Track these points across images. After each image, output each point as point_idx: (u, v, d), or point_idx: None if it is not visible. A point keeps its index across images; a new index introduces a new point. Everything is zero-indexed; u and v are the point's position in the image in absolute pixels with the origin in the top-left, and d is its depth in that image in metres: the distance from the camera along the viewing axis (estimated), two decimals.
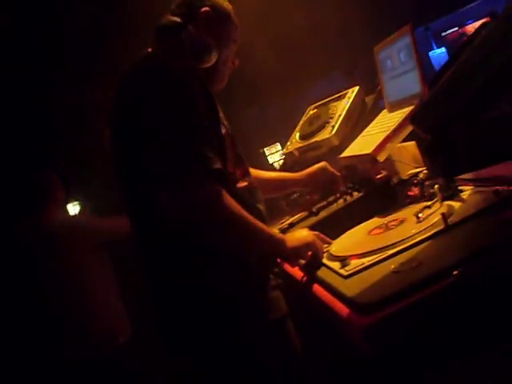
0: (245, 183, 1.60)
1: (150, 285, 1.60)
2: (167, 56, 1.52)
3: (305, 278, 1.61)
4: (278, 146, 7.86)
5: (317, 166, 2.03)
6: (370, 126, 2.11)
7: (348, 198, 1.88)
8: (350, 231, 1.69)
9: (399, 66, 1.92)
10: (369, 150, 1.77)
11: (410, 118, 1.22)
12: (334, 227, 1.75)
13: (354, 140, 2.25)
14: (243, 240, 1.49)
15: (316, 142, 2.43)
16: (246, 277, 1.52)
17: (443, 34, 6.48)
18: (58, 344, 2.68)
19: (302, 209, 2.36)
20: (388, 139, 1.76)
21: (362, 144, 1.97)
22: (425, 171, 1.93)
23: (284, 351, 1.53)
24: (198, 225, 1.42)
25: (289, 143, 2.65)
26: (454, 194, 1.60)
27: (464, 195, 1.59)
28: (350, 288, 1.26)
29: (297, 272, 1.69)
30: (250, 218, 1.47)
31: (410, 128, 1.78)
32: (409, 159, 2.18)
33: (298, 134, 2.63)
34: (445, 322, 1.13)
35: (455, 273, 1.13)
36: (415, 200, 1.79)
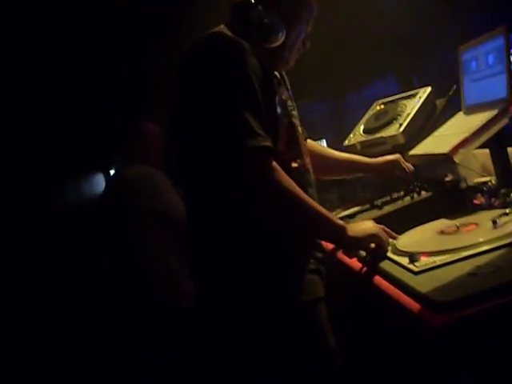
0: (295, 164, 1.58)
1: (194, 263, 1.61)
2: (229, 35, 1.51)
3: (365, 269, 1.58)
4: (324, 143, 7.82)
5: (392, 157, 1.99)
6: (444, 126, 2.05)
7: (415, 196, 1.84)
8: (416, 228, 1.65)
9: (485, 68, 1.87)
10: (445, 150, 1.72)
11: None
12: (398, 224, 1.71)
13: (419, 140, 2.20)
14: (299, 218, 1.47)
15: (382, 137, 2.38)
16: (283, 256, 1.50)
17: None
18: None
19: (355, 204, 2.33)
20: (466, 141, 1.71)
21: (436, 143, 1.92)
22: (493, 181, 1.88)
23: (310, 334, 1.50)
24: (249, 201, 1.43)
25: (352, 135, 2.61)
26: None
27: None
28: (423, 284, 1.23)
29: (354, 263, 1.67)
30: (307, 197, 1.46)
31: (490, 133, 1.72)
32: (477, 167, 2.13)
33: (362, 127, 2.59)
34: None
35: None
36: (481, 208, 1.75)
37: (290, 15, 1.61)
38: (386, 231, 1.60)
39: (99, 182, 4.47)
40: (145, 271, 2.80)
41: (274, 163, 1.42)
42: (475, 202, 1.83)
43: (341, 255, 1.80)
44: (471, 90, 1.98)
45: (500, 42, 1.76)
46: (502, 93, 1.75)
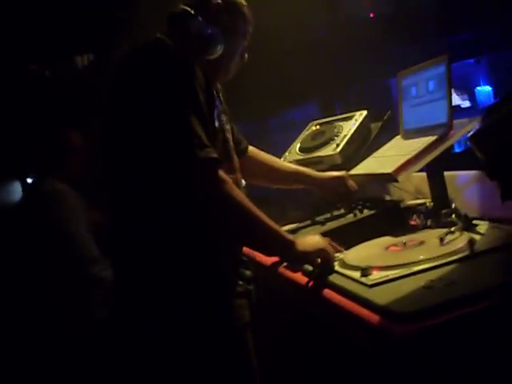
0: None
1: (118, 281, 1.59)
2: (171, 44, 1.51)
3: (311, 283, 1.59)
4: None
5: (337, 173, 2.01)
6: (383, 148, 2.12)
7: (358, 213, 1.87)
8: (362, 244, 1.69)
9: (425, 94, 1.95)
10: (389, 170, 1.77)
11: (470, 137, 1.23)
12: (341, 240, 1.72)
13: (355, 161, 2.26)
14: (248, 231, 1.48)
15: (319, 156, 2.42)
16: (211, 282, 1.49)
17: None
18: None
19: (286, 223, 2.35)
20: (409, 163, 1.77)
21: (378, 164, 1.97)
22: (428, 203, 1.96)
23: (235, 363, 1.50)
24: (198, 212, 1.44)
25: (287, 153, 2.64)
26: (469, 227, 1.62)
27: (480, 229, 1.61)
28: (379, 297, 1.25)
29: (299, 277, 1.67)
30: (256, 210, 1.46)
31: (431, 156, 1.79)
32: (411, 189, 2.21)
33: (298, 146, 2.62)
34: (479, 344, 1.12)
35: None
36: (417, 228, 1.81)
37: (228, 28, 1.62)
38: (332, 245, 1.62)
39: (16, 190, 4.28)
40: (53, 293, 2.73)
41: (224, 174, 1.42)
42: (411, 222, 1.89)
43: (283, 269, 1.80)
44: (410, 115, 2.05)
45: (442, 69, 1.84)
46: (442, 118, 1.83)
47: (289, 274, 1.75)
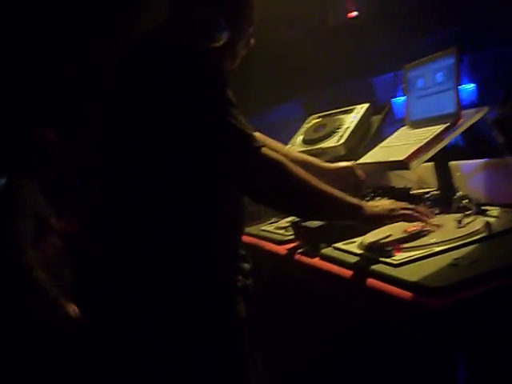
0: None
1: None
2: (179, 33, 1.49)
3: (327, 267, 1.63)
4: None
5: (346, 163, 2.03)
6: (389, 139, 2.17)
7: (371, 200, 1.92)
8: (380, 228, 1.72)
9: (433, 85, 2.01)
10: (401, 157, 1.83)
11: (493, 121, 1.29)
12: (355, 227, 1.77)
13: (358, 153, 2.32)
14: (319, 205, 1.48)
15: (321, 148, 2.47)
16: (212, 279, 1.47)
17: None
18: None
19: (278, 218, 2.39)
20: (420, 150, 1.83)
21: (387, 153, 2.03)
22: (433, 192, 2.02)
23: (231, 361, 1.49)
24: (268, 194, 1.42)
25: (290, 145, 2.68)
26: (482, 211, 1.69)
27: (492, 213, 1.67)
28: (409, 275, 1.30)
29: (316, 262, 1.72)
30: (317, 181, 1.46)
31: (441, 145, 1.85)
32: (415, 179, 2.28)
33: (300, 138, 2.67)
34: (507, 316, 1.18)
35: None
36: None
37: (232, 14, 1.56)
38: (410, 208, 1.60)
39: None
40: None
41: (275, 155, 1.42)
42: None
43: (299, 256, 1.85)
44: (417, 106, 2.11)
45: (451, 60, 1.90)
46: (450, 108, 1.89)
47: (306, 259, 1.80)
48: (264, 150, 1.39)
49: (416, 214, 1.58)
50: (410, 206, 1.61)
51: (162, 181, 1.42)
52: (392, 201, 1.62)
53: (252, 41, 1.69)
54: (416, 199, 1.98)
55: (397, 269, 1.37)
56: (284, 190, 1.42)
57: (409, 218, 1.58)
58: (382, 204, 1.59)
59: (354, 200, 1.53)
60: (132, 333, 1.49)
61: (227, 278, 1.51)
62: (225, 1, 1.57)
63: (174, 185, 1.42)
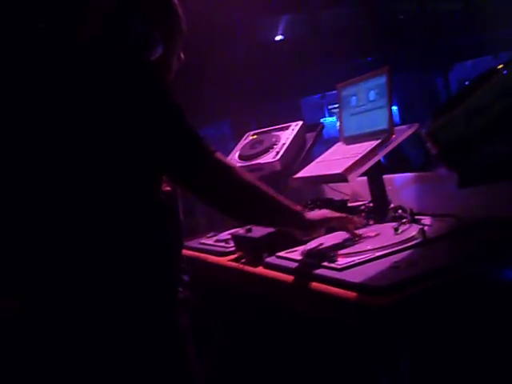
0: (168, 188, 1.56)
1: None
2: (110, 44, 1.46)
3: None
4: None
5: None
6: (324, 154, 2.27)
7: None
8: (321, 237, 1.80)
9: (366, 103, 2.12)
10: (339, 170, 1.92)
11: (428, 133, 1.39)
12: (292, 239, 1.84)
13: (293, 168, 2.43)
14: (268, 210, 1.53)
15: (259, 163, 2.54)
16: (156, 290, 1.45)
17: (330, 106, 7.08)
18: None
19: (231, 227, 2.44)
20: (356, 164, 1.93)
21: (323, 167, 2.12)
22: (367, 204, 2.13)
23: (176, 368, 1.47)
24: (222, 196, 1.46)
25: None
26: (415, 220, 1.80)
27: (425, 222, 1.78)
28: (353, 277, 1.38)
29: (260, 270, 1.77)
30: (265, 186, 1.50)
31: (376, 159, 1.96)
32: (349, 193, 2.39)
33: (237, 154, 2.73)
34: (446, 310, 1.27)
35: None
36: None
37: (165, 26, 1.58)
38: (347, 218, 1.73)
39: None
40: None
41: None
42: None
43: (242, 266, 1.90)
44: (350, 122, 2.22)
45: (383, 79, 2.03)
46: (383, 124, 2.01)
47: (250, 269, 1.85)
48: (218, 154, 1.42)
49: (349, 221, 1.71)
50: (345, 215, 1.73)
51: (105, 192, 1.38)
52: (329, 210, 1.72)
53: (182, 55, 1.69)
54: (353, 210, 2.08)
55: (341, 272, 1.45)
56: (238, 194, 1.46)
57: (343, 224, 1.70)
58: (321, 212, 1.69)
59: (298, 207, 1.60)
60: (71, 345, 1.39)
61: (170, 289, 1.50)
62: (158, 14, 1.58)
63: (120, 196, 1.39)
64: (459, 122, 1.35)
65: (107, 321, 1.37)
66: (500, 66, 1.41)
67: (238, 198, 1.47)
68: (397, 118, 8.78)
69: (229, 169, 1.44)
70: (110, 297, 1.39)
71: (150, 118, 1.37)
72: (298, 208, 1.60)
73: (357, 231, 1.72)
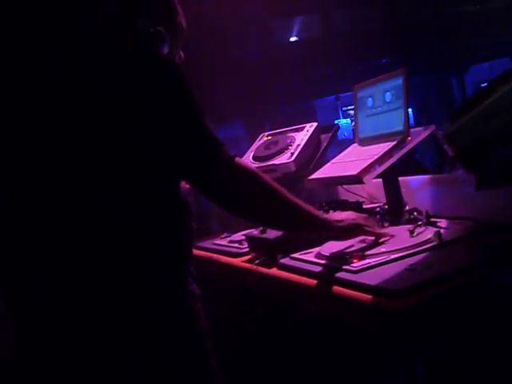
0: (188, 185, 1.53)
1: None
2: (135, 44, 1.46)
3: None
4: None
5: None
6: (340, 156, 2.26)
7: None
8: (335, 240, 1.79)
9: (382, 104, 2.11)
10: (354, 172, 1.91)
11: (446, 136, 1.38)
12: (308, 238, 1.84)
13: (308, 169, 2.42)
14: (290, 216, 1.50)
15: (273, 164, 2.54)
16: (174, 284, 1.42)
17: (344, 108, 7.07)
18: None
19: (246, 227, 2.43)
20: (371, 165, 1.91)
21: (338, 169, 2.11)
22: (382, 206, 2.12)
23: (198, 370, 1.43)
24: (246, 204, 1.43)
25: None
26: (431, 222, 1.78)
27: (440, 224, 1.77)
28: (369, 280, 1.37)
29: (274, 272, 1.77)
30: (287, 193, 1.46)
31: (391, 161, 1.94)
32: (365, 195, 2.38)
33: (251, 155, 2.73)
34: (463, 313, 1.26)
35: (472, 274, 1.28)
36: None
37: (168, 23, 1.57)
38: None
39: None
40: None
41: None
42: None
43: (256, 268, 1.89)
44: (366, 124, 2.21)
45: (399, 81, 2.01)
46: (399, 126, 2.00)
47: (264, 270, 1.84)
48: (238, 159, 1.40)
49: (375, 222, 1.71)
50: (371, 219, 1.71)
51: (125, 191, 1.35)
52: (353, 212, 1.69)
53: (181, 54, 1.66)
54: (368, 213, 2.07)
55: (356, 275, 1.44)
56: (258, 199, 1.43)
57: (370, 225, 1.67)
58: (346, 218, 1.63)
59: (321, 215, 1.60)
60: (91, 342, 1.35)
61: (189, 284, 1.45)
62: (158, 12, 1.56)
63: (139, 194, 1.36)
64: (477, 124, 1.33)
65: (130, 317, 1.34)
66: None
67: (262, 206, 1.44)
68: (411, 120, 8.79)
69: (251, 175, 1.41)
70: (134, 293, 1.35)
71: (171, 118, 1.35)
72: (323, 217, 1.58)
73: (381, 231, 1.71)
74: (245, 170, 1.41)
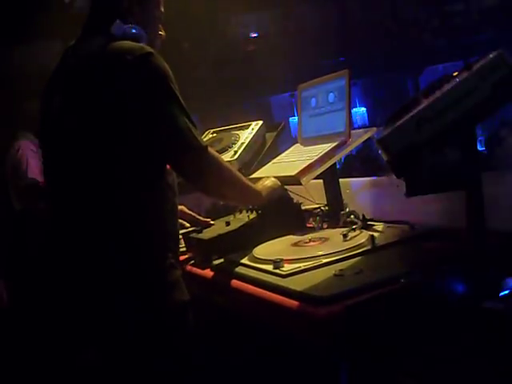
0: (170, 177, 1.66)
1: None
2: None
3: (220, 277, 1.65)
4: None
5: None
6: (281, 155, 2.24)
7: (254, 214, 1.94)
8: (269, 242, 1.76)
9: (325, 105, 2.09)
10: (292, 173, 1.88)
11: (378, 141, 1.36)
12: (242, 240, 1.81)
13: (252, 168, 2.38)
14: (246, 194, 1.78)
15: None
16: (159, 261, 1.56)
17: None
18: None
19: None
20: (311, 166, 1.89)
21: (279, 168, 2.08)
22: (322, 208, 2.09)
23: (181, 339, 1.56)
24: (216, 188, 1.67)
25: None
26: (367, 226, 1.77)
27: (377, 228, 1.75)
28: (296, 285, 1.34)
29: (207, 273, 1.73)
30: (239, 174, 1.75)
31: (331, 161, 1.92)
32: (306, 195, 2.35)
33: None
34: (391, 321, 1.25)
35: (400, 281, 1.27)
36: (314, 230, 1.92)
37: (144, 18, 1.67)
38: None
39: None
40: None
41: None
42: (308, 224, 2.01)
43: (191, 268, 1.85)
44: (309, 124, 2.19)
45: (342, 82, 1.99)
46: (341, 127, 1.98)
47: (197, 271, 1.80)
48: (210, 148, 1.60)
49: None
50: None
51: (113, 174, 1.53)
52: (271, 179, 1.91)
53: (163, 33, 1.80)
54: (306, 214, 2.05)
55: (285, 279, 1.41)
56: (228, 182, 1.68)
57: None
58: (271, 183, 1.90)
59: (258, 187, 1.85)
60: (78, 321, 1.56)
61: (173, 262, 1.59)
62: (134, 7, 1.65)
63: (126, 176, 1.53)
64: (410, 129, 1.32)
65: (115, 295, 1.50)
66: (454, 74, 1.39)
67: (232, 188, 1.71)
68: (365, 119, 8.88)
69: (221, 163, 1.65)
70: (120, 272, 1.51)
71: (154, 120, 1.51)
72: (258, 189, 1.83)
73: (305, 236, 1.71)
74: (218, 158, 1.66)
